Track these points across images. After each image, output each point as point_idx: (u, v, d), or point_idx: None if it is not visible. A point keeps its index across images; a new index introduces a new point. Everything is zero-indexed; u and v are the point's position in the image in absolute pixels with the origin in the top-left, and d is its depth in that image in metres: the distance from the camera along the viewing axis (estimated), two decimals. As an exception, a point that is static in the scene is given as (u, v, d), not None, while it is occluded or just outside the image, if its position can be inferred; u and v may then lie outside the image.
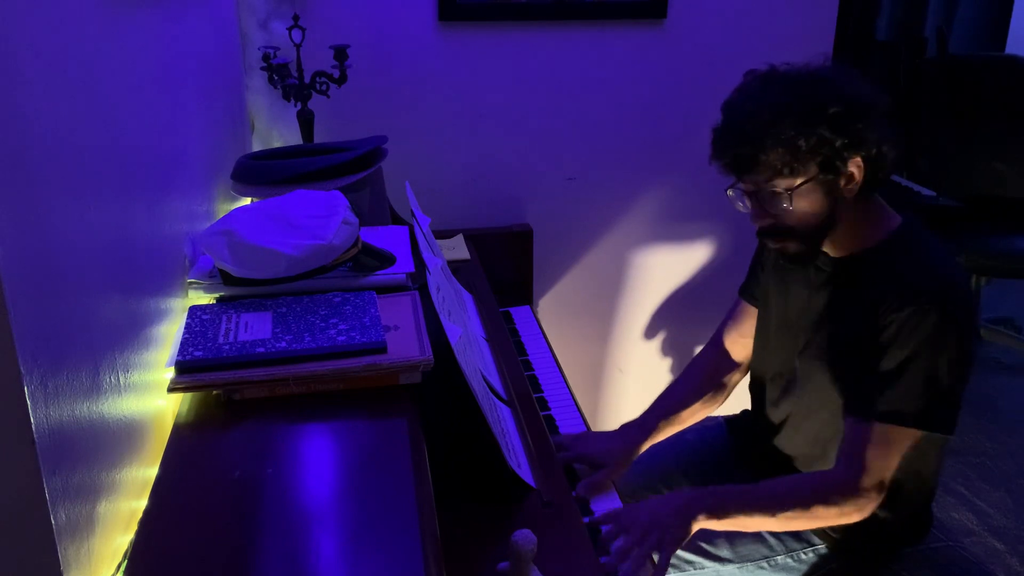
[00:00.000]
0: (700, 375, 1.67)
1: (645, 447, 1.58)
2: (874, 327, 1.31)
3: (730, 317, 1.66)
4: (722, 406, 1.70)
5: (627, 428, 1.60)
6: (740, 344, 1.64)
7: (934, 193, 3.10)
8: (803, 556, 1.47)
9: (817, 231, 1.35)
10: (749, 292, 1.61)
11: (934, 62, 3.36)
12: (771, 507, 1.33)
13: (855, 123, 1.27)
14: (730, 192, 1.40)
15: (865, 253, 1.37)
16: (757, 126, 1.29)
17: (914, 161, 3.40)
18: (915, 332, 1.27)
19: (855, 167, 1.30)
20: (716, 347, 1.68)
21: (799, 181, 1.30)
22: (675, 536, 1.28)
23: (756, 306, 1.59)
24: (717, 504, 1.32)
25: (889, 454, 1.30)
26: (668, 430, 1.62)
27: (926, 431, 1.30)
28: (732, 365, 1.66)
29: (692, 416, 1.64)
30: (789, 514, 1.32)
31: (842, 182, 1.31)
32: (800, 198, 1.31)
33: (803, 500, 1.32)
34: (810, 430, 1.46)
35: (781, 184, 1.30)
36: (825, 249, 1.40)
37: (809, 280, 1.44)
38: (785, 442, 1.52)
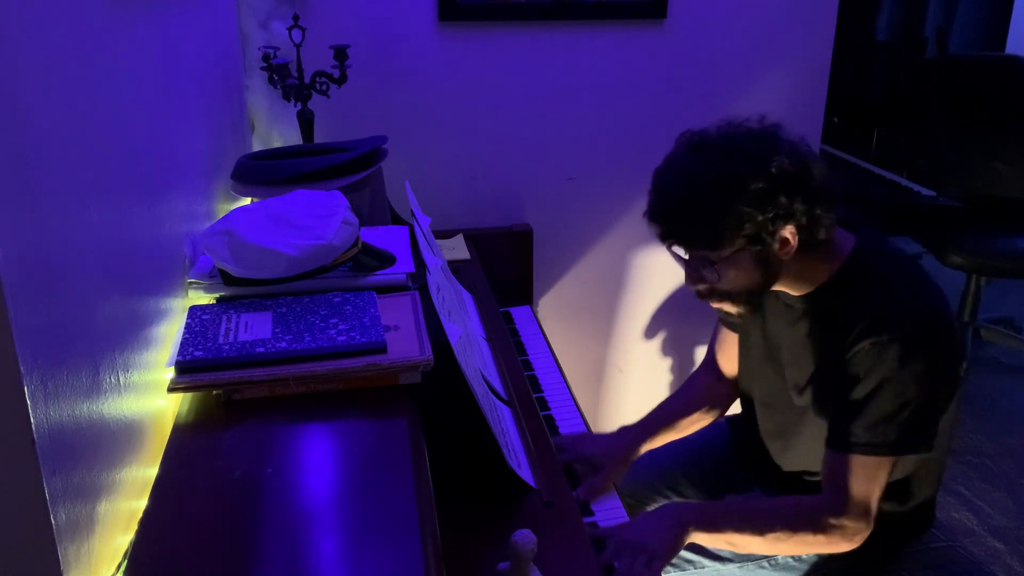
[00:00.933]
0: (698, 388, 1.68)
1: (644, 449, 1.58)
2: (842, 359, 1.30)
3: (715, 340, 1.67)
4: (722, 406, 1.70)
5: (626, 430, 1.60)
6: (733, 366, 1.64)
7: (934, 193, 3.10)
8: (804, 556, 1.47)
9: (753, 293, 1.33)
10: (727, 319, 1.61)
11: (934, 62, 3.36)
12: (761, 527, 1.33)
13: (778, 197, 1.23)
14: (670, 252, 1.37)
15: (827, 284, 1.35)
16: (678, 200, 1.27)
17: (914, 161, 3.41)
18: (878, 363, 1.26)
19: (788, 234, 1.27)
20: (710, 367, 1.69)
21: (725, 253, 1.27)
22: (668, 551, 1.28)
23: (736, 331, 1.59)
24: (709, 518, 1.33)
25: (870, 483, 1.29)
26: (666, 435, 1.63)
27: (903, 456, 1.30)
28: (728, 384, 1.67)
29: (691, 425, 1.65)
30: (778, 534, 1.32)
31: (775, 247, 1.27)
32: (729, 267, 1.29)
33: (792, 524, 1.32)
34: (810, 454, 1.45)
35: (707, 255, 1.29)
36: (787, 290, 1.38)
37: (784, 315, 1.43)
38: (786, 464, 1.51)
